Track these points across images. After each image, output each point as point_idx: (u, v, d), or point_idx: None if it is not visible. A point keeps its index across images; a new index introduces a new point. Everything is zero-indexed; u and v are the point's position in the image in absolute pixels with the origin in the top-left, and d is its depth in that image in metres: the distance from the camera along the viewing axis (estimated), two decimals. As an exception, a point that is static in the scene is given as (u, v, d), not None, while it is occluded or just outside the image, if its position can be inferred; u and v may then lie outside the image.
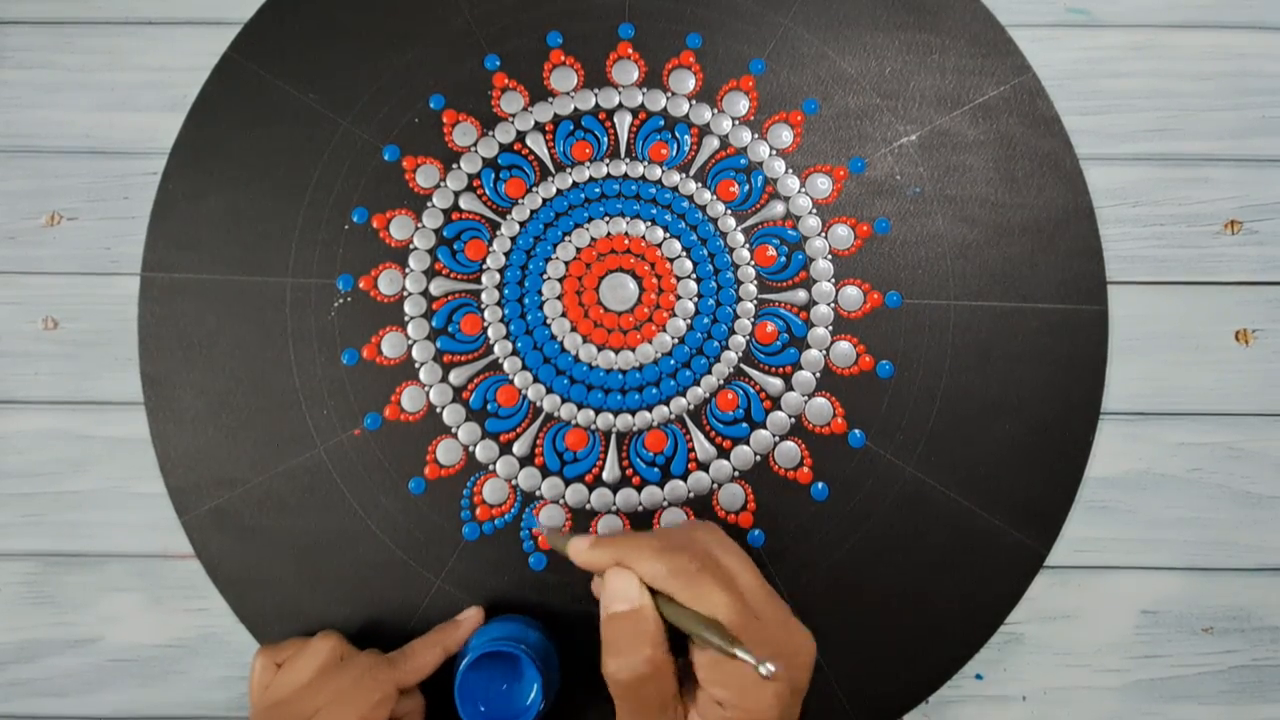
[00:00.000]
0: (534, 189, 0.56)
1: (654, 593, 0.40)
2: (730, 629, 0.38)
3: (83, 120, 0.57)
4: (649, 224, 0.56)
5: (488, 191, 0.56)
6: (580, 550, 0.43)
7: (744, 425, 0.54)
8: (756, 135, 0.56)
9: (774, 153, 0.56)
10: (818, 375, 0.55)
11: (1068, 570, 0.55)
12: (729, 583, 0.40)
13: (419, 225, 0.55)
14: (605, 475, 0.54)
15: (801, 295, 0.55)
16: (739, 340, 0.55)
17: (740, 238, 0.55)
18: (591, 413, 0.54)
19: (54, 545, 0.55)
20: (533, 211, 0.56)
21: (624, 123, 0.56)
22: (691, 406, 0.54)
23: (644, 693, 0.39)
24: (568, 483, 0.54)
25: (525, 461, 0.54)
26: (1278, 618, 0.55)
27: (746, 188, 0.56)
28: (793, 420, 0.54)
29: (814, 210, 0.56)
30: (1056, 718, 0.54)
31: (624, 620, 0.40)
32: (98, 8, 0.57)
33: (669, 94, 0.56)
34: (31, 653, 0.55)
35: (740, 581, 0.41)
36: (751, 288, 0.55)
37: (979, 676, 0.55)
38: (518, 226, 0.56)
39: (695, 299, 0.55)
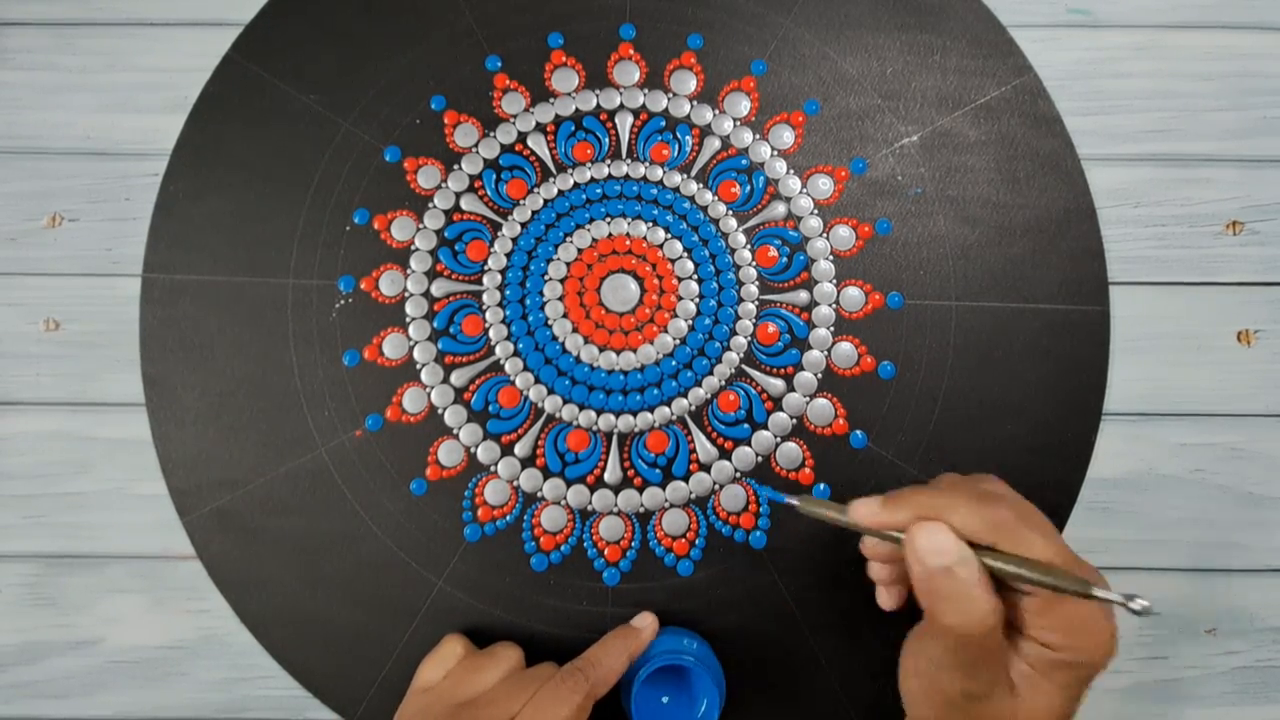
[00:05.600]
0: (535, 190, 0.56)
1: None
2: None
3: (84, 121, 0.57)
4: (650, 225, 0.55)
5: (489, 192, 0.56)
6: (870, 512, 0.40)
7: (745, 426, 0.54)
8: (758, 136, 0.56)
9: (775, 153, 0.56)
10: (819, 376, 0.55)
11: (1070, 571, 0.55)
12: (1049, 533, 0.38)
13: (420, 226, 0.55)
14: (607, 476, 0.54)
15: (803, 296, 0.55)
16: (740, 341, 0.55)
17: (741, 238, 0.55)
18: (593, 414, 0.54)
19: (55, 547, 0.55)
20: (534, 212, 0.56)
21: (625, 123, 0.56)
22: (693, 407, 0.54)
23: (989, 642, 0.38)
24: (569, 484, 0.54)
25: (527, 463, 0.54)
26: (1280, 619, 0.55)
27: (748, 188, 0.56)
28: (794, 421, 0.54)
29: (815, 211, 0.56)
30: (1058, 719, 0.54)
31: (956, 573, 0.37)
32: (98, 9, 0.57)
33: (670, 95, 0.56)
34: (33, 654, 0.54)
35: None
36: (753, 288, 0.55)
37: (981, 677, 0.54)
38: (519, 227, 0.56)
39: (696, 300, 0.55)
